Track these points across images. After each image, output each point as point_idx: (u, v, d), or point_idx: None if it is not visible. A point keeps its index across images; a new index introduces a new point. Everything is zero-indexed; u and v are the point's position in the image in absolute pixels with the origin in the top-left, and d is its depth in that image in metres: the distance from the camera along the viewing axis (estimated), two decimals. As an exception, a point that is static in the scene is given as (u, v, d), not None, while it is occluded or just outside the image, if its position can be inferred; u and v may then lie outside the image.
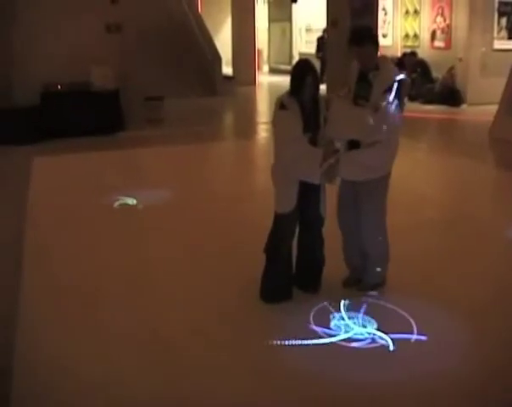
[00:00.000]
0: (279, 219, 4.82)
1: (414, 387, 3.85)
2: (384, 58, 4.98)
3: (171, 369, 4.07)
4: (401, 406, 3.72)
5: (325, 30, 20.13)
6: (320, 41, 20.75)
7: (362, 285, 5.12)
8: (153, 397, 3.80)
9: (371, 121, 4.61)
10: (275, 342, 4.31)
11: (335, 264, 5.13)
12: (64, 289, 5.35)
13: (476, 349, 4.29)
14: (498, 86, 12.40)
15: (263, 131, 13.79)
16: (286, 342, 4.30)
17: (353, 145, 4.78)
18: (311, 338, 4.37)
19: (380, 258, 5.09)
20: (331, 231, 5.05)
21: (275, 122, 4.78)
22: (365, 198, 4.92)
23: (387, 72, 4.78)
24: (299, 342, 4.31)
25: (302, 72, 4.62)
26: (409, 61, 16.06)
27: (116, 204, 7.68)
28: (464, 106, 15.77)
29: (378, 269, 5.10)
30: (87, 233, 6.76)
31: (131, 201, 7.79)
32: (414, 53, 16.88)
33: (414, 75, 15.94)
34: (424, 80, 16.07)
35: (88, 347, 4.36)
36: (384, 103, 4.62)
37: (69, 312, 4.92)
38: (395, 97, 4.66)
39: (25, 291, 5.28)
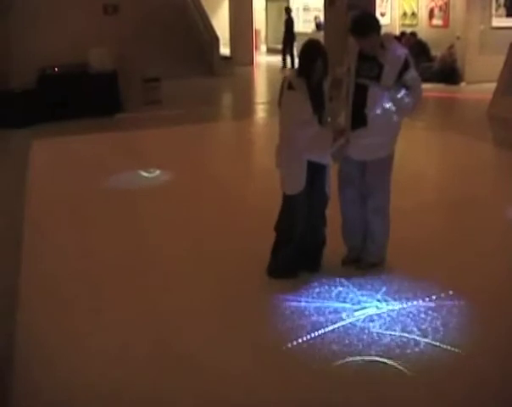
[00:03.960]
0: (289, 200, 4.81)
1: (414, 379, 3.77)
2: (387, 35, 4.95)
3: (172, 369, 3.91)
4: (402, 397, 3.67)
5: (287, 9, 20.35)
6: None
7: (361, 264, 5.17)
8: (153, 397, 3.67)
9: (410, 101, 4.73)
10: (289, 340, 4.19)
11: (334, 242, 5.14)
12: (63, 279, 5.26)
13: (479, 336, 4.20)
14: (496, 63, 12.37)
15: (261, 112, 13.77)
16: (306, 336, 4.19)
17: (358, 123, 4.81)
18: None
19: (381, 237, 5.12)
20: (329, 210, 5.04)
21: (283, 102, 4.71)
22: (374, 178, 4.94)
23: (395, 50, 4.77)
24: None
25: (313, 54, 4.58)
26: (408, 41, 15.98)
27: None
28: (462, 84, 15.75)
29: (378, 249, 5.15)
30: (86, 216, 6.77)
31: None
32: (413, 34, 16.81)
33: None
34: (422, 58, 16.01)
35: (88, 345, 4.21)
36: (416, 82, 4.75)
37: (69, 305, 4.80)
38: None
39: (24, 282, 5.17)
